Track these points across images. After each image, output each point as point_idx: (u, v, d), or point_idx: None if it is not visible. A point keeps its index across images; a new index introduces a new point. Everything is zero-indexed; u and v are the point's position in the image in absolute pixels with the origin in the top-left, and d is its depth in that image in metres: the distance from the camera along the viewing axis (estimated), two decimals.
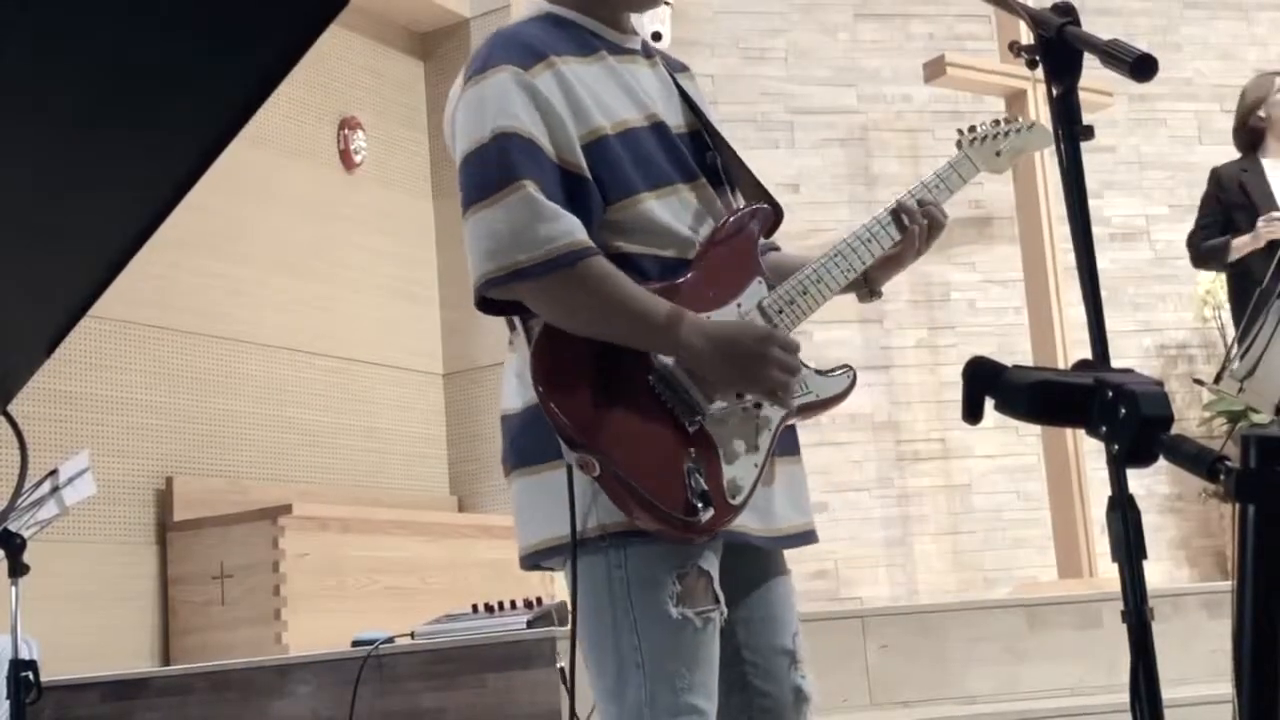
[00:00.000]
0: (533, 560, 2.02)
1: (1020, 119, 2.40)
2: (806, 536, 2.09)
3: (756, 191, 2.15)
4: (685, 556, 1.93)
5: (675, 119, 2.09)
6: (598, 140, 1.96)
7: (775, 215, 2.14)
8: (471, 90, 1.96)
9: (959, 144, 2.34)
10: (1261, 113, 5.12)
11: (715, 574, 1.96)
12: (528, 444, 1.98)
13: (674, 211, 2.01)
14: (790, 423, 2.06)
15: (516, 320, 2.00)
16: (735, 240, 2.06)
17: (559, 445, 1.88)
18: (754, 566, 2.07)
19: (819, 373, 2.09)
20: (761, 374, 1.93)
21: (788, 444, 2.08)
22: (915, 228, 2.15)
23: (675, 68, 2.21)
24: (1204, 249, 5.13)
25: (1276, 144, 5.12)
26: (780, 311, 2.05)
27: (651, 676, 1.92)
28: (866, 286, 2.20)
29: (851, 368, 2.15)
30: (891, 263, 2.17)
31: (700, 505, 1.88)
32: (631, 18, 2.17)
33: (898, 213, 2.15)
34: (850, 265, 2.11)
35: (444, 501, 6.40)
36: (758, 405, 1.99)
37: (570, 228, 1.88)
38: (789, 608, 2.12)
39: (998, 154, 2.35)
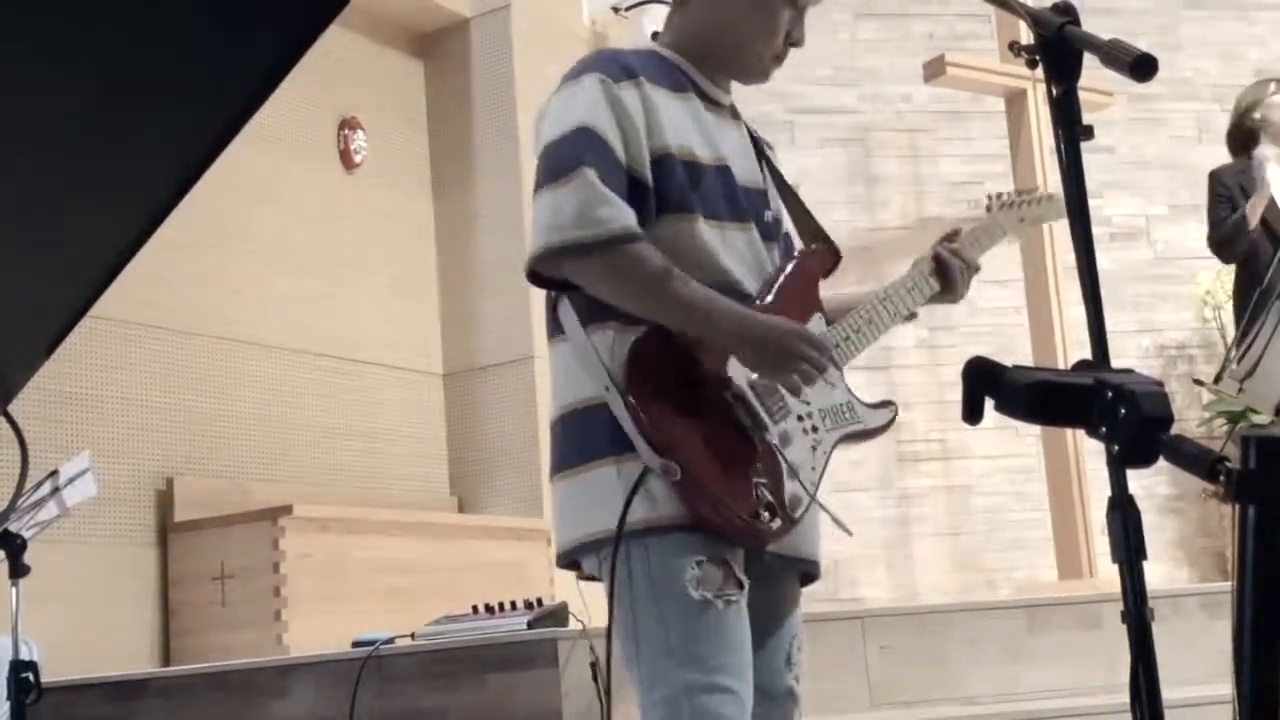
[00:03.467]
0: (569, 558, 2.16)
1: (1040, 191, 2.65)
2: (807, 565, 2.26)
3: (819, 237, 2.37)
4: (703, 548, 2.05)
5: (743, 172, 2.26)
6: (665, 156, 2.14)
7: (835, 257, 2.37)
8: (564, 90, 2.16)
9: (988, 208, 2.57)
10: (1256, 114, 5.12)
11: (737, 564, 2.08)
12: (566, 448, 2.15)
13: (719, 243, 2.17)
14: (839, 448, 2.26)
15: (566, 323, 2.14)
16: (799, 277, 2.28)
17: (597, 448, 2.06)
18: (774, 587, 2.23)
19: (867, 405, 2.30)
20: (787, 364, 2.08)
21: None
22: (956, 270, 2.36)
23: (762, 142, 2.41)
24: (1223, 234, 5.08)
25: (1270, 149, 5.11)
26: (837, 346, 2.24)
27: (681, 660, 2.03)
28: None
29: (894, 403, 2.36)
30: (938, 300, 2.39)
31: (767, 515, 2.07)
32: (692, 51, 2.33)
33: (938, 261, 2.37)
34: (897, 310, 2.32)
35: (444, 502, 6.40)
36: (814, 429, 2.19)
37: (625, 214, 2.05)
38: (794, 619, 2.29)
39: (1021, 220, 2.59)
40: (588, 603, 3.39)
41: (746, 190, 2.25)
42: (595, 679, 3.50)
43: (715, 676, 2.03)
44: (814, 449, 2.19)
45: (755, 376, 2.13)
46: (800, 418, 2.18)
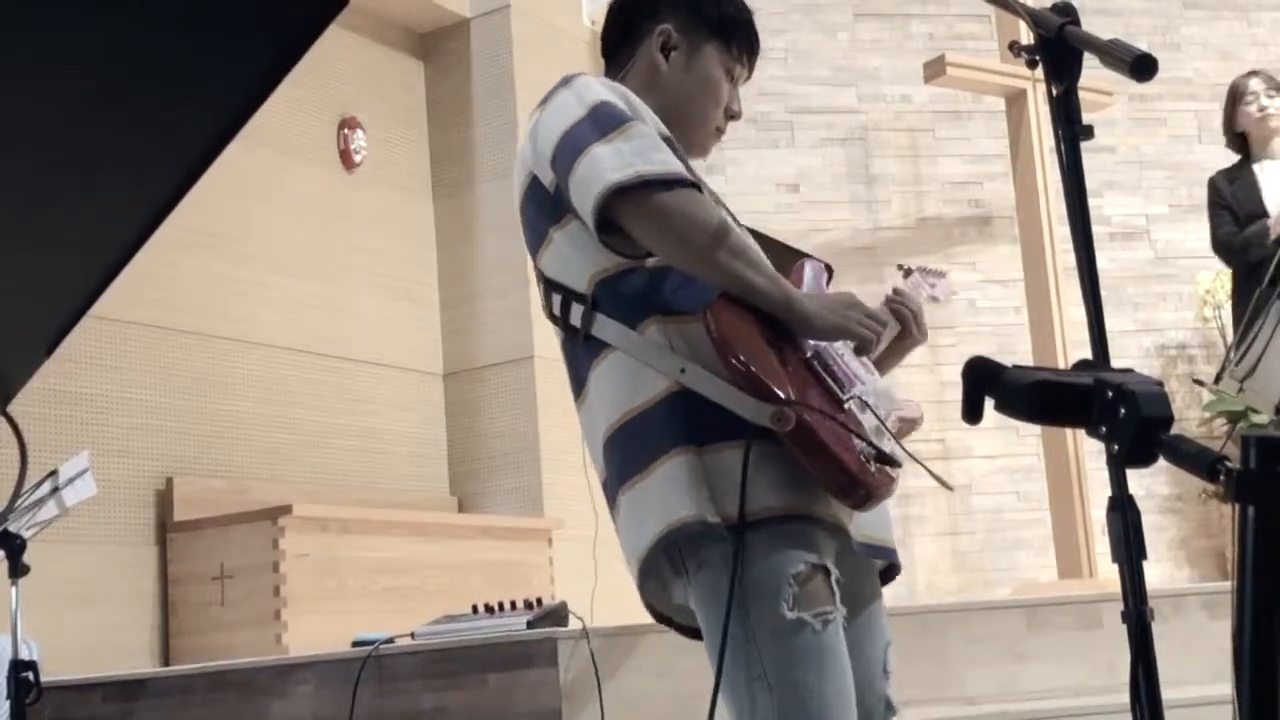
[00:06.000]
0: (651, 563, 1.93)
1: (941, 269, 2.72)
2: (887, 552, 2.10)
3: (794, 256, 2.33)
4: (802, 548, 1.89)
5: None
6: (668, 140, 2.04)
7: (829, 271, 2.33)
8: (558, 95, 2.07)
9: (906, 275, 2.58)
10: (1238, 130, 5.09)
11: (833, 567, 1.93)
12: (631, 453, 1.95)
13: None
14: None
15: (610, 334, 1.99)
16: (815, 279, 2.24)
17: (670, 440, 1.89)
18: (860, 579, 2.08)
19: (899, 398, 2.25)
20: (853, 325, 1.98)
21: None
22: (906, 314, 2.30)
23: None
24: (1238, 244, 4.97)
25: (1261, 148, 5.09)
26: None
27: (778, 690, 1.85)
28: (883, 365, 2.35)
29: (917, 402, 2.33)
30: (898, 347, 2.30)
31: (876, 464, 1.90)
32: None
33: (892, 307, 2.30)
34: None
35: (444, 501, 6.40)
36: (876, 405, 2.07)
37: (680, 163, 1.96)
38: (884, 620, 2.14)
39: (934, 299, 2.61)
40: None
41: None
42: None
43: (814, 707, 1.85)
44: (886, 418, 2.09)
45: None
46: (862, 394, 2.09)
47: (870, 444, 1.91)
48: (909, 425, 2.21)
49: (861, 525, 2.01)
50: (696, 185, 1.95)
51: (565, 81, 2.09)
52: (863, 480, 1.87)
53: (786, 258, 2.38)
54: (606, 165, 1.91)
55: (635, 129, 1.95)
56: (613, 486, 2.00)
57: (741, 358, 1.86)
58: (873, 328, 2.00)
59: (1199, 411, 7.03)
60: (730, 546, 1.85)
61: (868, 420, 2.01)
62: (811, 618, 1.86)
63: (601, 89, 2.04)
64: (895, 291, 2.34)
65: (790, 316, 1.95)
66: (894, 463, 1.94)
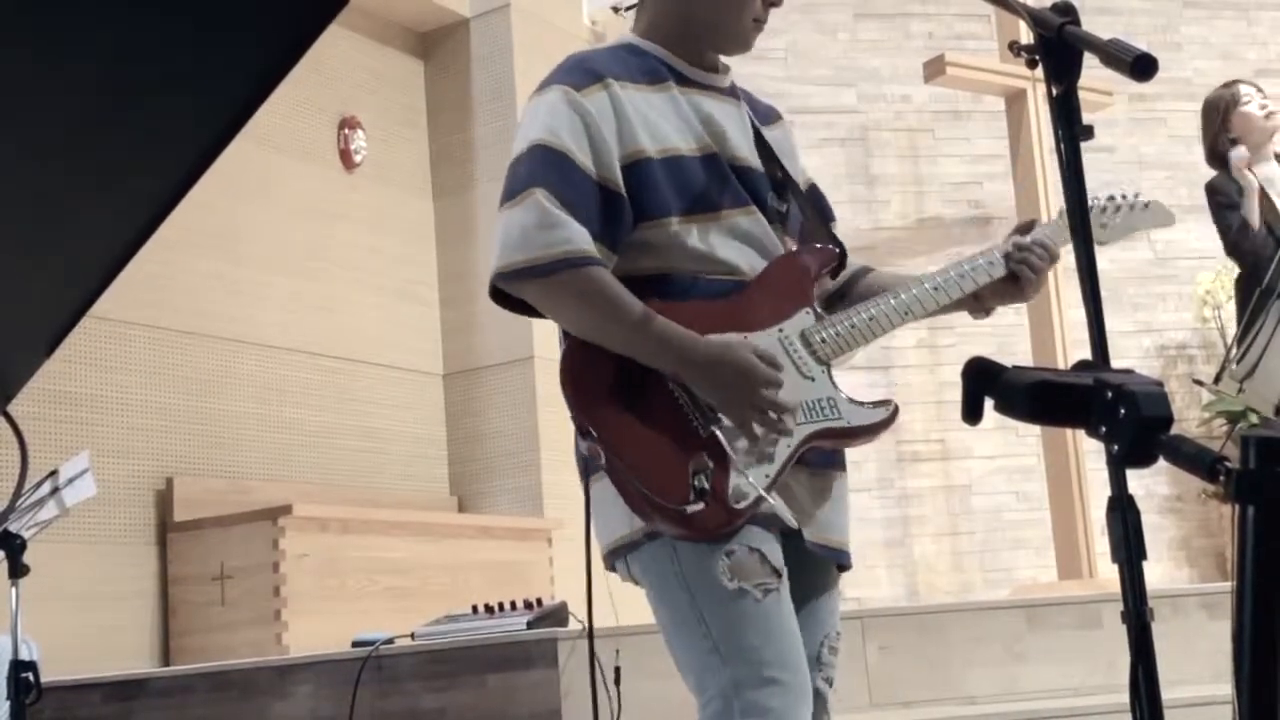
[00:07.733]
0: (609, 561, 2.13)
1: (1135, 195, 2.45)
2: (841, 555, 2.17)
3: (826, 237, 2.25)
4: (733, 538, 2.00)
5: (738, 154, 2.16)
6: (639, 161, 2.06)
7: (839, 256, 2.23)
8: (530, 105, 2.12)
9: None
10: (1232, 134, 5.01)
11: (772, 552, 2.02)
12: (581, 453, 2.10)
13: (710, 236, 2.09)
14: (817, 444, 2.10)
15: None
16: (787, 270, 2.16)
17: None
18: (812, 577, 2.15)
19: (855, 402, 2.14)
20: (739, 406, 2.01)
21: (831, 458, 2.16)
22: (1023, 271, 2.21)
23: (765, 117, 2.31)
24: (1231, 240, 4.94)
25: (1255, 152, 5.03)
26: (824, 342, 2.13)
27: (727, 657, 1.98)
28: (981, 305, 2.27)
29: (893, 403, 2.17)
30: (1000, 290, 2.24)
31: (697, 501, 1.96)
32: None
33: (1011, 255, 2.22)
34: (910, 309, 2.18)
35: (444, 502, 6.40)
36: (779, 420, 2.06)
37: (571, 235, 1.99)
38: (829, 614, 2.19)
39: (1103, 226, 2.41)
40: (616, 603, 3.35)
41: (745, 173, 2.15)
42: (618, 681, 3.46)
43: (763, 669, 1.96)
44: (777, 440, 2.04)
45: None
46: (761, 410, 2.04)
47: (705, 479, 1.96)
48: (843, 436, 2.12)
49: (820, 529, 2.11)
50: (581, 259, 1.98)
51: (543, 87, 2.12)
52: (674, 520, 1.96)
53: (811, 224, 2.30)
54: (498, 239, 2.03)
55: (529, 202, 2.00)
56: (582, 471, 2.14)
57: (571, 394, 2.01)
58: (762, 402, 2.01)
59: (1199, 411, 7.03)
60: (664, 547, 2.00)
61: (743, 445, 2.02)
62: (752, 587, 1.98)
63: (551, 119, 2.05)
64: (1031, 243, 2.23)
65: (688, 383, 2.02)
66: (735, 499, 1.99)
